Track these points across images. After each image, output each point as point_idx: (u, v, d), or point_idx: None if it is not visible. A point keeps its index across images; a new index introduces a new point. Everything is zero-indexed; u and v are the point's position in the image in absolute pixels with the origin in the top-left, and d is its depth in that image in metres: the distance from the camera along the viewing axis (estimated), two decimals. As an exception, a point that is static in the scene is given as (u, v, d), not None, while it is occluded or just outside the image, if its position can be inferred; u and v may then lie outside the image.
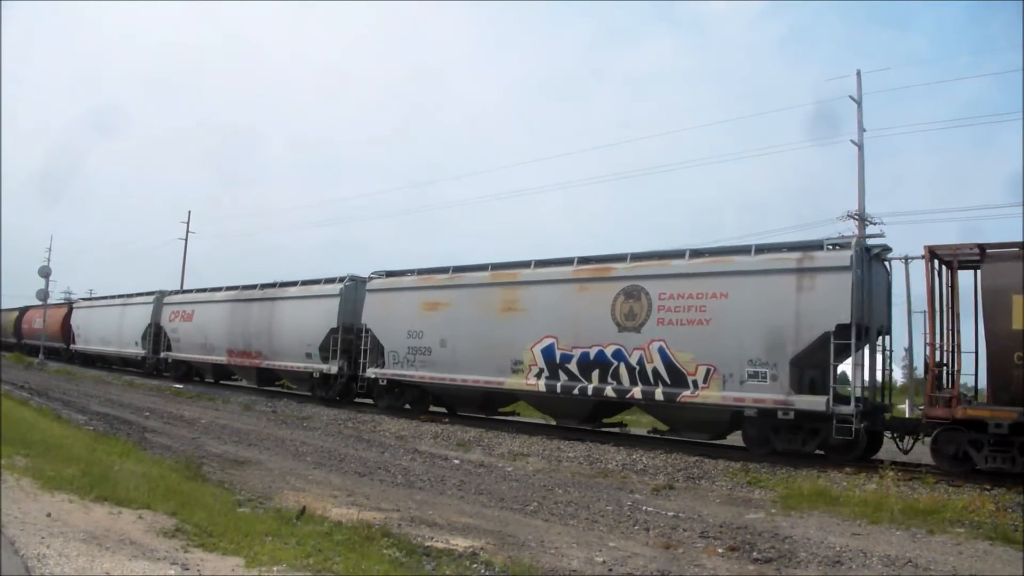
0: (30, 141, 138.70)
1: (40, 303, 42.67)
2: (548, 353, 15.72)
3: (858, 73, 27.79)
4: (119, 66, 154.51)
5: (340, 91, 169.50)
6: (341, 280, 22.02)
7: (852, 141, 27.59)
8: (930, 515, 8.64)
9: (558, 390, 15.50)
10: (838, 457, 12.63)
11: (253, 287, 26.15)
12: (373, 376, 19.72)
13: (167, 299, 31.73)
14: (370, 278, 20.75)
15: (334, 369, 21.42)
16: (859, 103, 27.65)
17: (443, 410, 19.46)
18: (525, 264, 17.05)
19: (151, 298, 32.74)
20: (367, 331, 20.12)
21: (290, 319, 23.32)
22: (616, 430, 16.30)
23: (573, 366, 15.31)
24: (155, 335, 31.63)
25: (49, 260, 43.74)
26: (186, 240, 52.61)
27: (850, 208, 27.20)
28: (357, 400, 21.63)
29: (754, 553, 7.19)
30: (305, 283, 23.68)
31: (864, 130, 27.50)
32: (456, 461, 12.91)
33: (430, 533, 7.39)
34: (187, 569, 5.04)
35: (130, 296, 35.34)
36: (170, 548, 5.53)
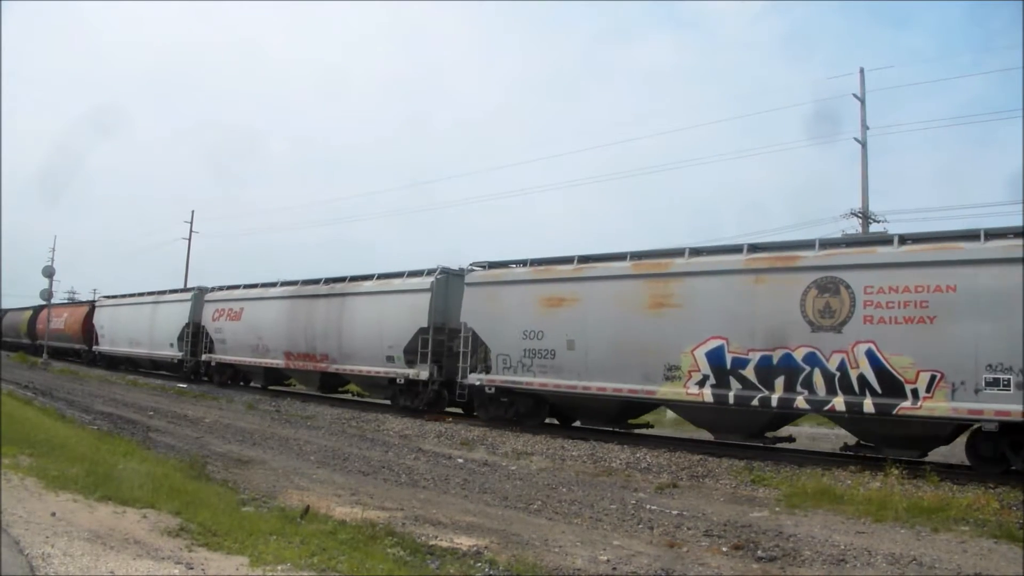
0: (30, 141, 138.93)
1: (44, 303, 42.21)
2: (716, 357, 13.26)
3: (861, 71, 27.73)
4: (119, 66, 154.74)
5: (340, 90, 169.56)
6: (431, 272, 19.37)
7: (855, 139, 27.55)
8: (934, 513, 8.61)
9: (730, 400, 13.03)
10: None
11: (316, 281, 23.30)
12: (478, 383, 17.12)
13: (209, 296, 28.67)
14: (468, 270, 18.24)
15: (424, 374, 18.67)
16: (863, 101, 27.60)
17: (555, 421, 17.15)
18: (676, 252, 14.66)
19: (189, 295, 30.07)
20: (468, 331, 17.63)
21: (367, 317, 20.59)
22: (785, 444, 14.11)
23: (749, 372, 12.91)
24: (193, 336, 28.96)
25: (53, 260, 43.38)
26: (189, 240, 52.66)
27: (852, 206, 27.19)
28: (449, 410, 19.27)
29: (758, 552, 7.18)
30: (383, 277, 20.93)
31: (867, 128, 27.46)
32: (460, 460, 12.91)
33: (434, 532, 7.39)
34: (191, 568, 5.04)
35: (162, 293, 32.85)
36: (174, 547, 5.54)
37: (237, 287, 27.49)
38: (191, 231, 52.80)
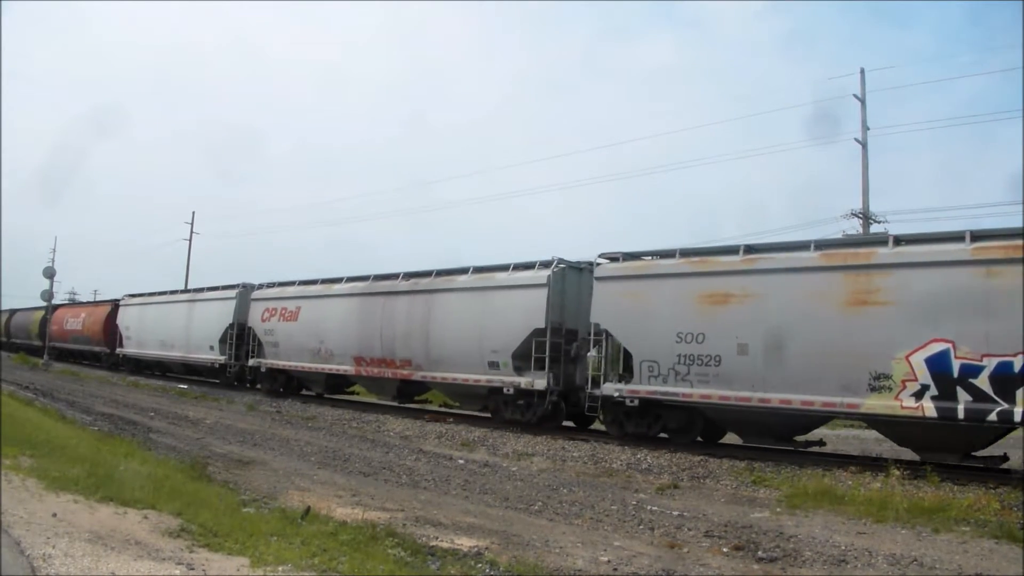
0: (30, 141, 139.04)
1: (45, 303, 41.80)
2: (939, 364, 11.27)
3: (862, 71, 27.81)
4: (119, 66, 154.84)
5: (340, 90, 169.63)
6: (546, 264, 16.72)
7: (856, 139, 27.60)
8: (935, 514, 8.61)
9: (959, 415, 10.96)
10: None
11: (393, 276, 20.46)
12: (616, 395, 14.59)
13: (257, 294, 25.52)
14: (596, 262, 15.82)
15: (540, 383, 15.93)
16: (863, 101, 27.64)
17: (699, 439, 14.55)
18: (877, 240, 13.07)
19: (233, 292, 26.82)
20: (601, 333, 15.19)
21: (463, 317, 17.87)
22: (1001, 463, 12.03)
23: (983, 382, 11.00)
24: (237, 338, 26.00)
25: (53, 261, 43.17)
26: (190, 241, 52.64)
27: (852, 206, 27.23)
28: (566, 424, 16.97)
29: (759, 552, 7.18)
30: (481, 270, 18.31)
31: (868, 128, 27.48)
32: (461, 461, 12.92)
33: (435, 533, 7.39)
34: (192, 569, 5.05)
35: (200, 291, 30.25)
36: (175, 548, 5.54)
37: (291, 283, 24.41)
38: (191, 232, 52.82)
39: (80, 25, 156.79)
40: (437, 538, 7.11)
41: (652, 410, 14.50)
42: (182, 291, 31.19)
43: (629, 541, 7.58)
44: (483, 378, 17.22)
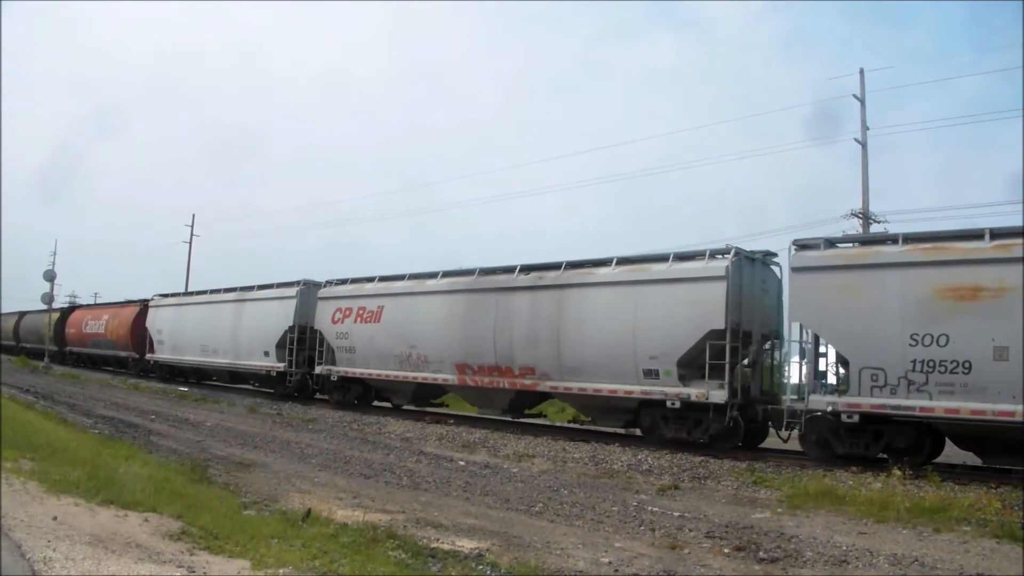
0: (30, 142, 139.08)
1: (45, 306, 41.40)
2: None
3: (861, 71, 27.71)
4: (119, 66, 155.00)
5: (340, 91, 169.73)
6: (720, 254, 14.14)
7: (856, 139, 27.54)
8: (936, 513, 8.61)
9: None
10: None
11: (507, 269, 17.65)
12: (829, 410, 12.37)
13: (325, 292, 22.46)
14: (795, 247, 13.23)
15: (718, 396, 13.34)
16: (862, 101, 27.60)
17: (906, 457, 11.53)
18: None
19: (293, 290, 23.78)
20: (805, 335, 12.99)
21: (605, 318, 15.16)
22: None
23: None
24: (298, 342, 23.03)
25: (54, 263, 43.02)
26: (190, 243, 52.59)
27: (852, 206, 27.21)
28: (761, 448, 14.50)
29: (760, 553, 7.18)
30: (626, 261, 15.50)
31: (868, 128, 27.47)
32: (461, 463, 12.91)
33: (436, 534, 7.39)
34: (193, 571, 5.05)
35: (249, 289, 26.44)
36: (176, 551, 5.54)
37: (370, 279, 21.38)
38: (192, 234, 52.74)
39: (79, 26, 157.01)
40: (438, 540, 7.11)
41: (871, 427, 12.25)
42: (227, 290, 27.74)
43: (630, 542, 7.57)
44: (636, 389, 14.51)
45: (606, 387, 15.03)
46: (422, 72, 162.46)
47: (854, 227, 26.62)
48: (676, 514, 9.01)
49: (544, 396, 17.31)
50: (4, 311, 53.28)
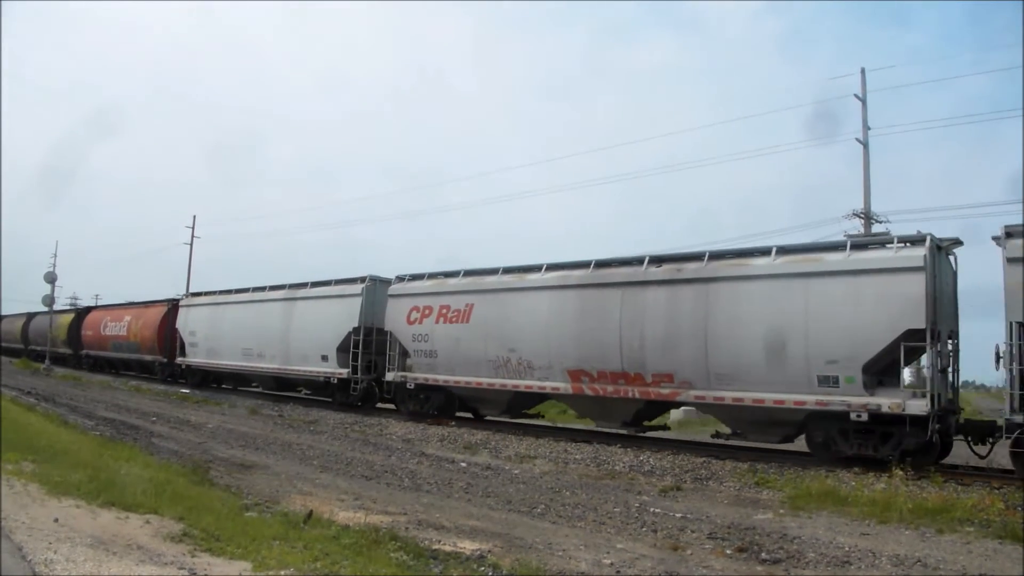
0: (29, 143, 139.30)
1: (46, 308, 40.84)
2: None
3: (863, 71, 27.70)
4: (119, 68, 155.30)
5: (340, 92, 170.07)
6: (910, 242, 12.23)
7: (857, 139, 27.53)
8: (939, 514, 8.60)
9: None
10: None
11: (633, 261, 15.43)
12: None
13: (398, 288, 20.11)
14: (1007, 234, 11.17)
15: (917, 407, 11.52)
16: (864, 101, 27.59)
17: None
18: None
19: (357, 287, 21.42)
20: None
21: (767, 316, 13.06)
22: None
23: None
24: (363, 346, 20.71)
25: (55, 265, 42.88)
26: (191, 245, 52.57)
27: (853, 206, 27.20)
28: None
29: (762, 554, 7.17)
30: (788, 251, 13.44)
31: (869, 128, 27.47)
32: (463, 464, 12.90)
33: (437, 536, 7.39)
34: (194, 573, 5.04)
35: (301, 286, 23.96)
36: (177, 553, 5.53)
37: (453, 273, 19.11)
38: (192, 236, 52.70)
39: (79, 27, 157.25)
40: (440, 541, 7.10)
41: None
42: (273, 287, 25.27)
43: (632, 543, 7.56)
44: (808, 399, 12.47)
45: (769, 397, 12.82)
46: (422, 73, 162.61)
47: (856, 227, 26.63)
48: (678, 515, 9.00)
49: (668, 406, 15.86)
50: (10, 313, 52.21)
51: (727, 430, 14.30)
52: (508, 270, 17.79)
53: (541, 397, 17.43)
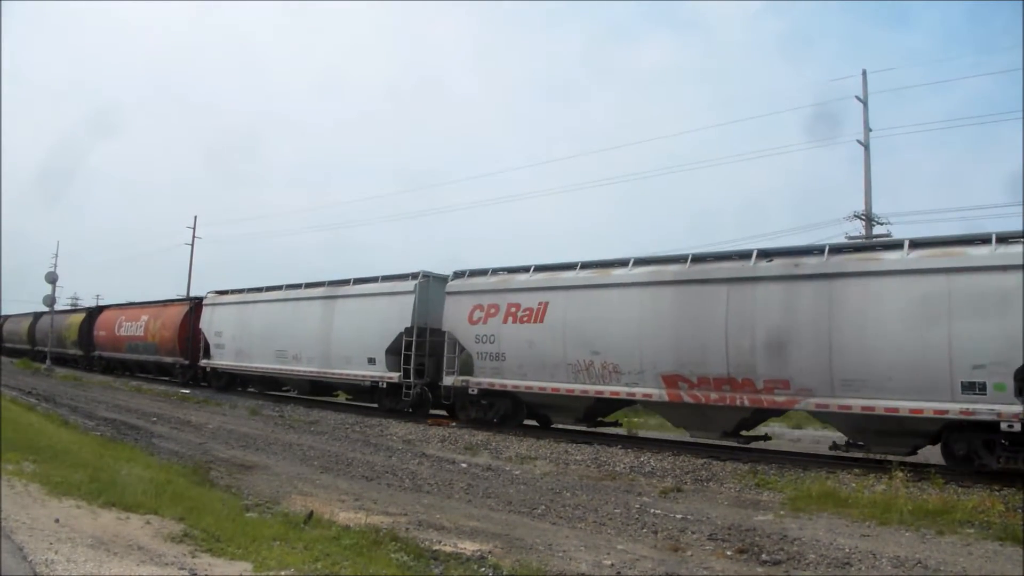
0: (28, 143, 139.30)
1: (49, 306, 40.76)
2: None
3: (864, 73, 27.74)
4: (118, 68, 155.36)
5: (339, 93, 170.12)
6: None
7: (858, 141, 27.57)
8: (940, 516, 8.59)
9: None
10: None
11: (738, 255, 14.11)
12: None
13: (456, 284, 18.49)
14: None
15: None
16: (865, 103, 27.63)
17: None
18: None
19: (410, 284, 19.61)
20: None
21: (902, 316, 11.79)
22: None
23: None
24: (416, 348, 18.92)
25: (55, 265, 42.82)
26: (192, 245, 52.56)
27: (854, 208, 27.22)
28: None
29: (763, 555, 7.17)
30: (921, 244, 12.25)
31: (870, 130, 27.49)
32: (463, 465, 12.91)
33: (438, 537, 7.39)
34: (195, 574, 5.04)
35: (342, 283, 22.04)
36: (178, 553, 5.54)
37: (523, 269, 17.57)
38: (194, 236, 52.68)
39: (79, 27, 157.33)
40: (440, 542, 7.11)
41: None
42: (310, 284, 23.42)
43: (632, 544, 7.56)
44: (951, 407, 11.17)
45: (904, 405, 11.57)
46: (421, 74, 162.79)
47: (857, 228, 26.66)
48: (678, 516, 9.00)
49: (776, 415, 14.70)
50: (17, 312, 51.40)
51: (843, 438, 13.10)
52: (587, 265, 16.18)
53: (622, 404, 16.21)
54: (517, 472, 12.30)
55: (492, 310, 17.27)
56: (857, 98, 27.82)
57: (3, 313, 52.64)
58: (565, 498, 10.06)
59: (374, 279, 21.13)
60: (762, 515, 9.21)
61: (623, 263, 15.62)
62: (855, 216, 26.98)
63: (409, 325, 19.11)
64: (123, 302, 37.53)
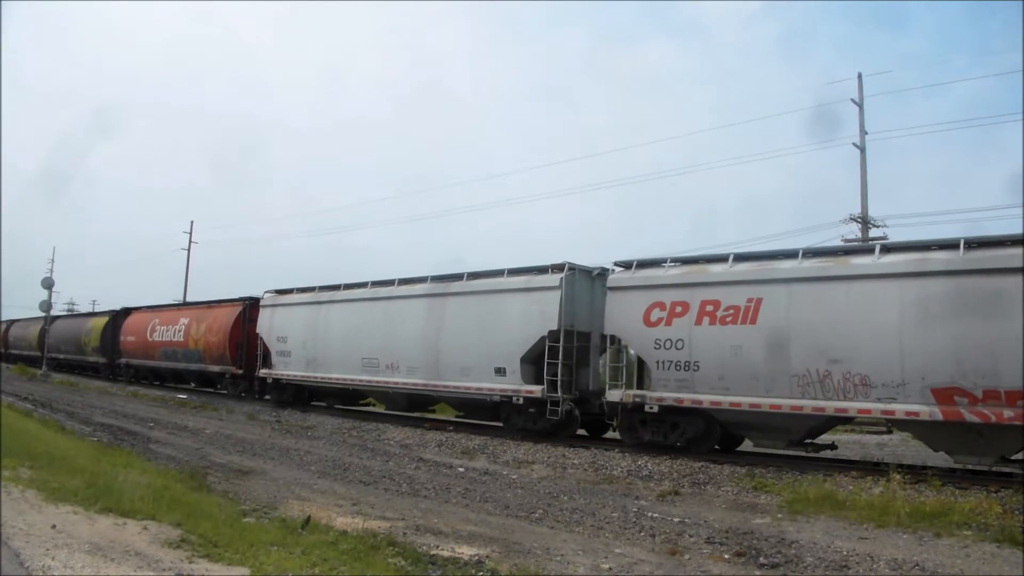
0: (27, 146, 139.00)
1: (45, 312, 40.64)
2: None
3: (859, 76, 27.90)
4: (117, 70, 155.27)
5: (339, 95, 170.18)
6: None
7: (854, 144, 27.69)
8: (937, 518, 8.60)
9: None
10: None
11: (1008, 241, 11.37)
12: None
13: (622, 278, 15.22)
14: None
15: None
16: (860, 106, 27.75)
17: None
18: None
19: (552, 278, 16.27)
20: None
21: None
22: None
23: None
24: (563, 357, 15.68)
25: (52, 271, 42.65)
26: (189, 250, 52.50)
27: (852, 211, 27.31)
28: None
29: (760, 558, 7.17)
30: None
31: (866, 132, 27.58)
32: (461, 469, 12.90)
33: (435, 541, 7.38)
34: (192, 579, 5.04)
35: (454, 278, 18.53)
36: (175, 559, 5.53)
37: (719, 258, 14.52)
38: (190, 240, 52.62)
39: (78, 28, 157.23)
40: (438, 547, 7.10)
41: None
42: (404, 281, 19.85)
43: (630, 548, 7.56)
44: None
45: None
46: (421, 76, 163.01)
47: (853, 231, 26.75)
48: (676, 520, 9.00)
49: None
50: (23, 317, 49.60)
51: None
52: (812, 252, 13.55)
53: (843, 422, 13.65)
54: (514, 476, 12.30)
55: (678, 308, 14.11)
56: (853, 101, 27.96)
57: (4, 318, 50.89)
58: (563, 502, 10.05)
59: (498, 272, 17.68)
60: (760, 518, 9.21)
61: (867, 250, 13.38)
62: (851, 218, 27.09)
63: (554, 328, 15.84)
64: (148, 305, 34.04)
